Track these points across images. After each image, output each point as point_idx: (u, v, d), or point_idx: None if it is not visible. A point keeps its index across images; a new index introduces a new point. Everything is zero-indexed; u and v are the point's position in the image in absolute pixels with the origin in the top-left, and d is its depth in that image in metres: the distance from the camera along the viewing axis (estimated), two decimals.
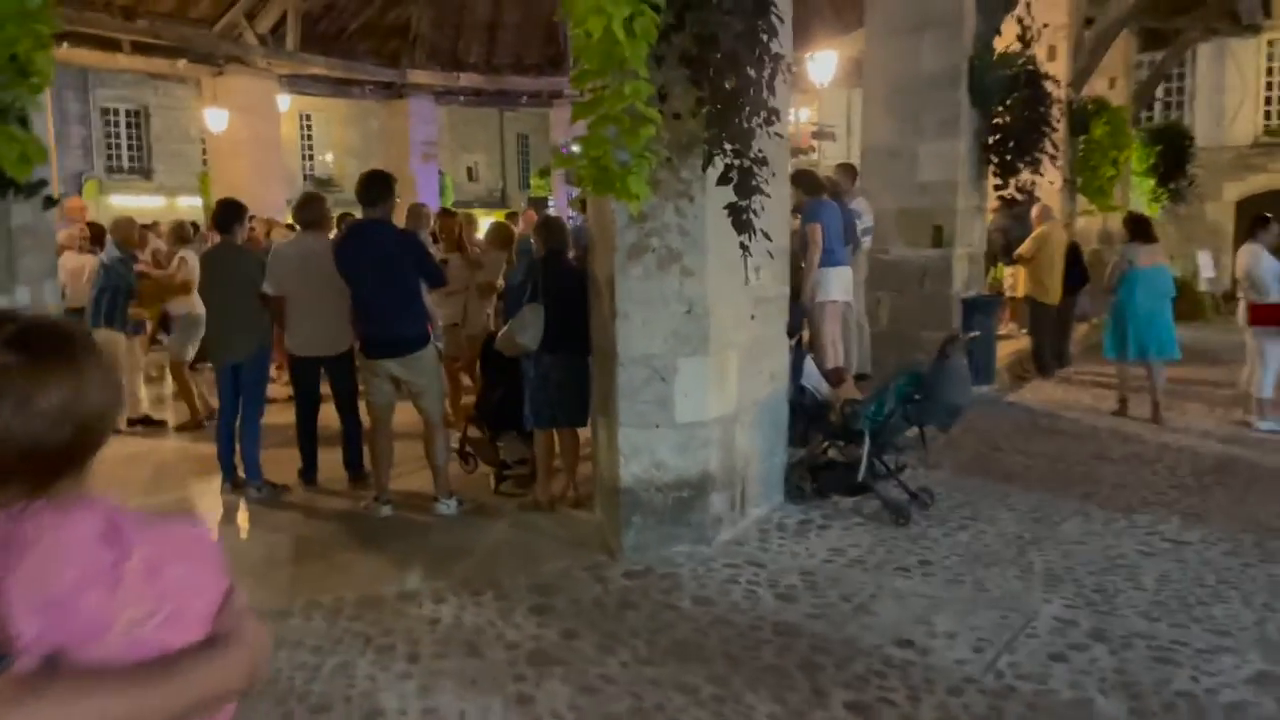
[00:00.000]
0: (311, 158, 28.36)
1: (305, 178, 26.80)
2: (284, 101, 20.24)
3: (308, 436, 6.36)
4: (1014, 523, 5.54)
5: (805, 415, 5.88)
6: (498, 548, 5.24)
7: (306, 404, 6.34)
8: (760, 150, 4.65)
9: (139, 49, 16.67)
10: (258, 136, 18.21)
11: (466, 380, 8.23)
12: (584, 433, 5.93)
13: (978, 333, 6.91)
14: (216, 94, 18.06)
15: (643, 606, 4.42)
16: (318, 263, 6.04)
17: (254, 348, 6.11)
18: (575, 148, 4.32)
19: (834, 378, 6.20)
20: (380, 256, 5.57)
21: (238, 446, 6.20)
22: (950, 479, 6.38)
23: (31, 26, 3.49)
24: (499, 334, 5.81)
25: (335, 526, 5.66)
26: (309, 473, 6.36)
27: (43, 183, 3.93)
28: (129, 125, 23.86)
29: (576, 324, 5.50)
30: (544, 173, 28.26)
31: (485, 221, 15.17)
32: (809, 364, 6.06)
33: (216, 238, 6.58)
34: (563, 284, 5.57)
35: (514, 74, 21.59)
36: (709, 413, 5.07)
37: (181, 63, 17.49)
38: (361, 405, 6.25)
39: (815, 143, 23.30)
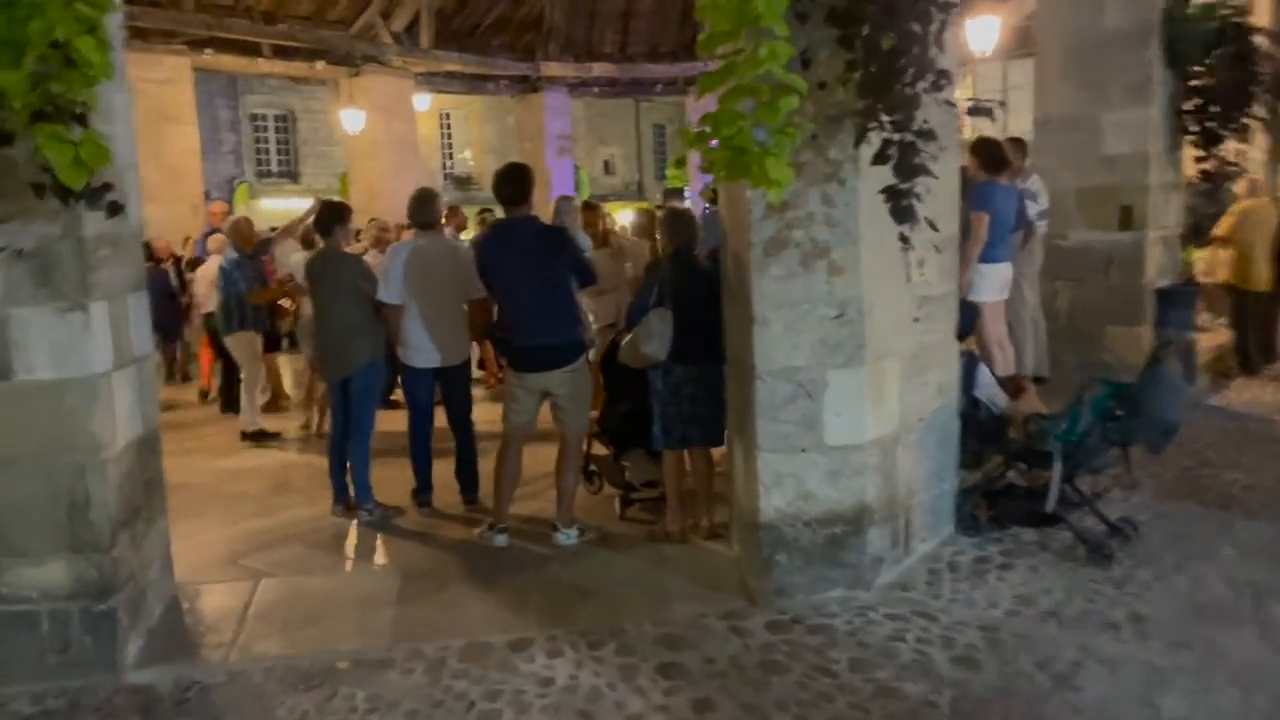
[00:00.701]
0: (451, 156, 28.51)
1: (445, 177, 26.92)
2: (424, 101, 20.28)
3: (422, 454, 5.89)
4: (1242, 563, 4.55)
5: (979, 433, 5.01)
6: (622, 588, 4.60)
7: (421, 419, 5.87)
8: (925, 121, 3.86)
9: (279, 52, 16.95)
10: (394, 136, 18.27)
11: None
12: (720, 452, 5.26)
13: (1194, 335, 5.84)
14: (354, 95, 18.21)
15: (790, 669, 3.72)
16: (435, 267, 5.64)
17: (364, 360, 5.66)
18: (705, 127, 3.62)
19: (1012, 387, 5.31)
20: (530, 257, 5.02)
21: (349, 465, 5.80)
22: (1153, 504, 5.38)
23: (75, 8, 3.06)
24: (622, 343, 5.17)
25: (446, 557, 5.14)
26: (423, 493, 5.89)
27: (107, 187, 3.49)
28: (277, 130, 24.43)
29: (710, 330, 4.82)
30: (680, 162, 27.58)
31: (619, 215, 14.70)
32: (983, 372, 5.18)
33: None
34: (693, 285, 4.89)
35: (648, 62, 21.09)
36: (865, 434, 4.30)
37: (320, 64, 17.72)
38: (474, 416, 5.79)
39: (969, 120, 21.79)
